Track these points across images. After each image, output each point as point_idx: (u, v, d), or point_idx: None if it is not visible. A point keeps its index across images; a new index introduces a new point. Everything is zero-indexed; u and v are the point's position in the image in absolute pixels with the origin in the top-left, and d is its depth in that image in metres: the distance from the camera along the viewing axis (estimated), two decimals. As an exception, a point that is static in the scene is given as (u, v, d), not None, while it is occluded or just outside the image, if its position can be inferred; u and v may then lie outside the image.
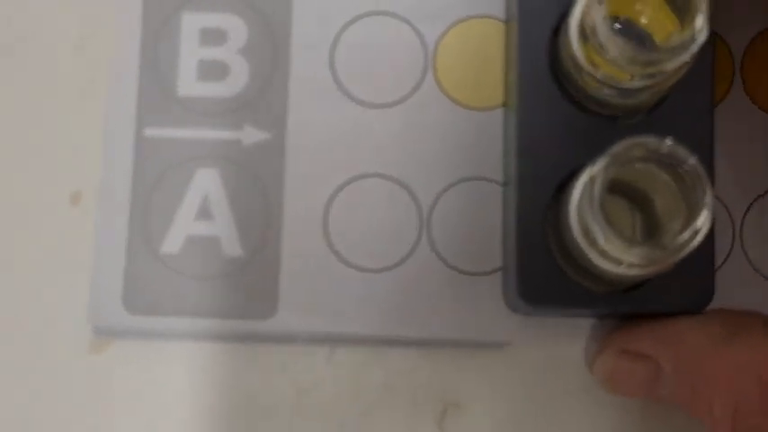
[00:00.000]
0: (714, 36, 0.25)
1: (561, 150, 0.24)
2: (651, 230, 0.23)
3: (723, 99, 0.27)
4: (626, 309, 0.24)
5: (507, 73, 0.26)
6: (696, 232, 0.21)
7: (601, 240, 0.21)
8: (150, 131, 0.27)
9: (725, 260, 0.27)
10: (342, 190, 0.27)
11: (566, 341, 0.27)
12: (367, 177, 0.27)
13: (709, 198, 0.21)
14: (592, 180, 0.21)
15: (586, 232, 0.21)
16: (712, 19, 0.26)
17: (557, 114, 0.24)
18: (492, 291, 0.26)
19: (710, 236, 0.22)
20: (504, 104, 0.27)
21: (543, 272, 0.24)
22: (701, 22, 0.21)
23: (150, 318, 0.27)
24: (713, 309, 0.24)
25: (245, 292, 0.27)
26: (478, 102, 0.27)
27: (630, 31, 0.25)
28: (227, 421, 0.27)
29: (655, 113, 0.24)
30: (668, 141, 0.21)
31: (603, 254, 0.21)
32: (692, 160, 0.21)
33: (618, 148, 0.21)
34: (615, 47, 0.21)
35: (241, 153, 0.27)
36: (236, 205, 0.27)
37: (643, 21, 0.24)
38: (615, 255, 0.21)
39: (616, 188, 0.24)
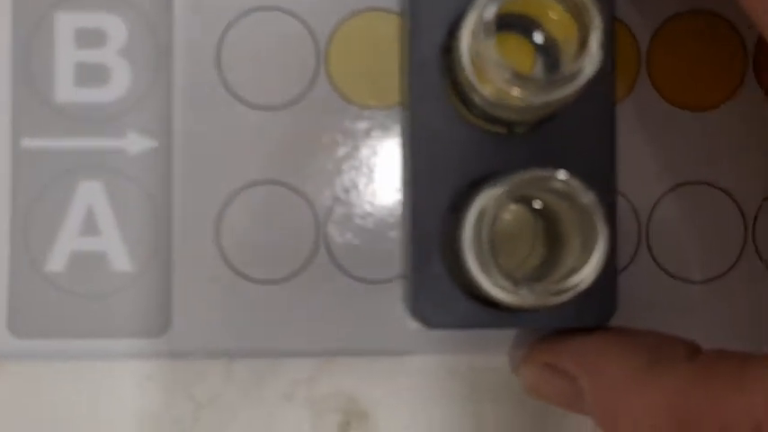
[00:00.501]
0: (613, 35, 0.24)
1: (456, 161, 0.23)
2: (551, 247, 0.23)
3: (629, 93, 0.26)
4: (524, 325, 0.23)
5: (401, 75, 0.25)
6: (583, 278, 0.21)
7: (485, 284, 0.20)
8: (27, 142, 0.26)
9: (631, 259, 0.26)
10: (234, 198, 0.26)
11: (473, 348, 0.26)
12: (260, 184, 0.26)
13: (602, 240, 0.21)
14: (480, 216, 0.20)
15: (478, 263, 0.21)
16: (619, 8, 0.26)
17: (450, 124, 0.23)
18: (393, 299, 0.25)
19: (612, 253, 0.22)
20: (401, 104, 0.25)
21: (438, 291, 0.23)
22: (594, 48, 0.20)
23: (38, 341, 0.25)
24: (638, 330, 0.23)
25: (137, 308, 0.26)
26: (375, 100, 0.26)
27: (530, 30, 0.24)
28: (125, 440, 0.26)
29: (554, 121, 0.23)
30: (561, 176, 0.20)
31: (496, 284, 0.21)
32: (587, 198, 0.20)
33: (507, 185, 0.20)
34: (501, 81, 0.20)
35: (126, 162, 0.26)
36: (122, 218, 0.26)
37: (547, 24, 0.23)
38: (502, 295, 0.20)
39: (522, 199, 0.23)
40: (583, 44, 0.21)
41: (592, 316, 0.23)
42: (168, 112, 0.26)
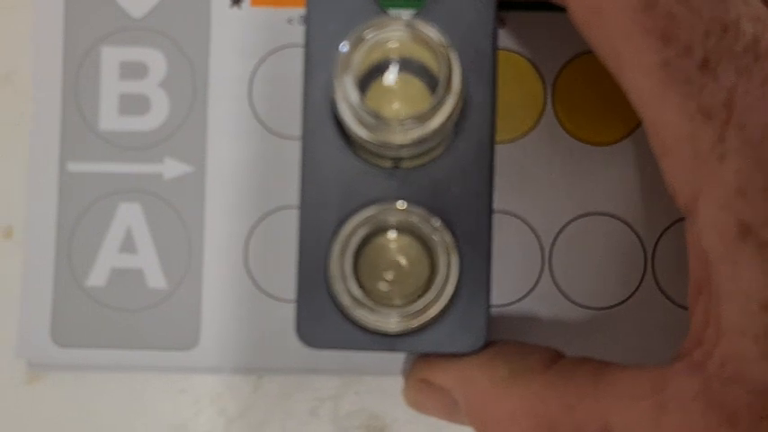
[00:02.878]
0: (495, 72, 0.24)
1: (343, 194, 0.24)
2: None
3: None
4: (400, 350, 0.24)
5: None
6: (435, 300, 0.22)
7: (347, 301, 0.22)
8: (73, 166, 0.28)
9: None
10: (262, 221, 0.27)
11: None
12: (287, 209, 0.27)
13: (443, 271, 0.22)
14: (342, 243, 0.22)
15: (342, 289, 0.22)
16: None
17: (338, 157, 0.24)
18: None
19: (483, 282, 0.23)
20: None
21: (321, 314, 0.24)
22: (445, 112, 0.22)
23: (79, 350, 0.27)
24: (505, 341, 0.24)
25: (169, 323, 0.27)
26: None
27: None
28: (156, 446, 0.28)
29: (439, 156, 0.24)
30: (400, 205, 0.22)
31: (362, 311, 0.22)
32: (427, 228, 0.22)
33: (363, 215, 0.22)
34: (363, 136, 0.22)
35: (162, 186, 0.28)
36: (158, 238, 0.27)
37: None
38: (364, 319, 0.22)
39: (408, 232, 0.24)
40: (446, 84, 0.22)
41: (463, 343, 0.24)
42: (203, 140, 0.27)
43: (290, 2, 0.27)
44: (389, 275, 0.24)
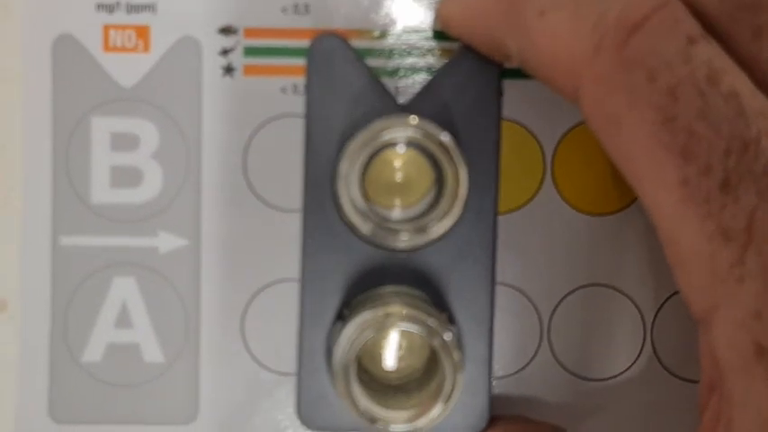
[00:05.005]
0: (498, 148, 0.24)
1: (344, 274, 0.24)
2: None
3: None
4: None
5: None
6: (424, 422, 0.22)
7: (350, 407, 0.22)
8: (66, 240, 0.27)
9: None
10: (258, 295, 0.27)
11: None
12: (284, 282, 0.27)
13: (448, 384, 0.22)
14: (348, 342, 0.22)
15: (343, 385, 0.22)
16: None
17: (340, 239, 0.24)
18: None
19: (486, 366, 0.23)
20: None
21: (320, 395, 0.24)
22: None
23: (77, 427, 0.27)
24: (510, 418, 0.25)
25: (167, 397, 0.27)
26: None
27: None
28: None
29: (438, 243, 0.24)
30: (404, 314, 0.22)
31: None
32: (437, 341, 0.22)
33: (365, 317, 0.22)
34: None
35: (157, 260, 0.27)
36: (154, 312, 0.27)
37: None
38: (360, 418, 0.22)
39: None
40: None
41: (466, 426, 0.24)
42: (197, 213, 0.27)
43: (283, 71, 0.27)
44: (392, 366, 0.24)
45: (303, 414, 0.24)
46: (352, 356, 0.22)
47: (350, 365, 0.22)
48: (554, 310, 0.27)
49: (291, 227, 0.27)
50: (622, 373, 0.27)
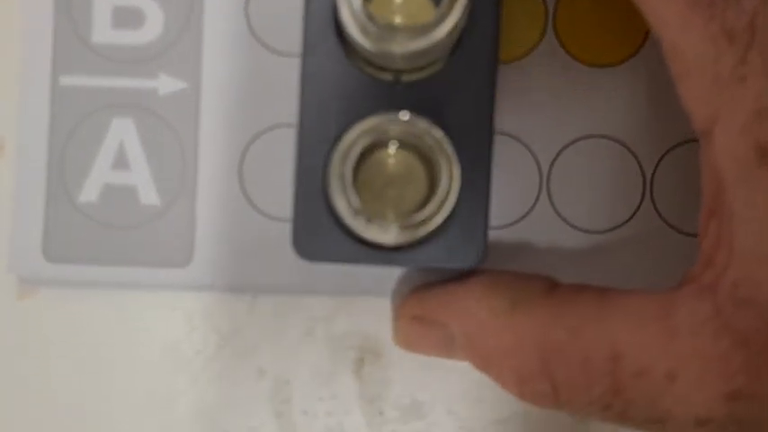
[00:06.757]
0: None
1: (343, 108, 0.24)
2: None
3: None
4: (396, 264, 0.24)
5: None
6: (438, 209, 0.22)
7: (345, 213, 0.22)
8: (65, 80, 0.27)
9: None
10: (257, 139, 0.27)
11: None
12: (281, 127, 0.27)
13: (445, 181, 0.22)
14: (342, 153, 0.22)
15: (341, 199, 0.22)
16: None
17: (339, 69, 0.24)
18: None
19: (483, 197, 0.23)
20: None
21: (318, 227, 0.24)
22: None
23: (70, 266, 0.27)
24: (500, 271, 0.24)
25: (162, 240, 0.27)
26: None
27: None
28: (148, 366, 0.28)
29: (439, 72, 0.24)
30: (403, 116, 0.22)
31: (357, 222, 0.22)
32: (430, 138, 0.22)
33: (362, 126, 0.22)
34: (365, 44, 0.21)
35: (156, 102, 0.27)
36: (151, 154, 0.27)
37: None
38: (359, 228, 0.22)
39: (408, 147, 0.24)
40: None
41: (463, 257, 0.24)
42: (198, 56, 0.27)
43: None
44: (388, 191, 0.24)
45: (298, 245, 0.24)
46: (353, 157, 0.22)
47: (348, 163, 0.22)
48: (554, 160, 0.27)
49: (292, 71, 0.27)
50: (621, 225, 0.27)
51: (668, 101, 0.27)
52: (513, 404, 0.28)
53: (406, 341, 0.26)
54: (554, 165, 0.27)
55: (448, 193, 0.22)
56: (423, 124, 0.22)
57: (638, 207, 0.27)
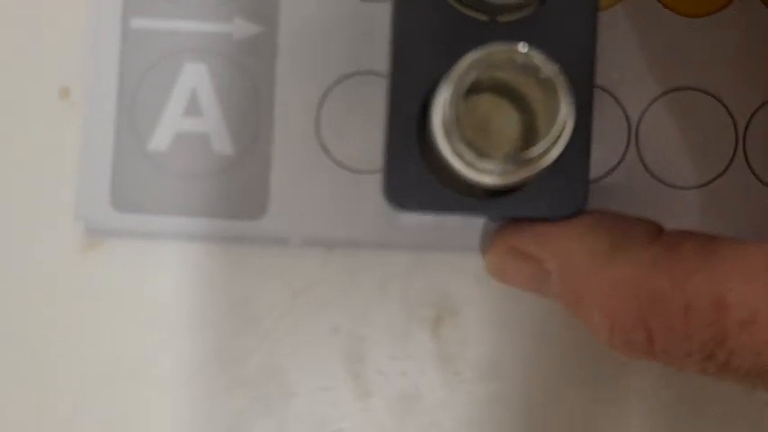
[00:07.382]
0: None
1: (438, 49, 0.23)
2: (529, 137, 0.23)
3: None
4: (496, 214, 0.23)
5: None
6: (553, 144, 0.21)
7: (448, 154, 0.21)
8: (137, 23, 0.26)
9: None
10: (335, 87, 0.26)
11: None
12: (361, 74, 0.26)
13: (564, 110, 0.20)
14: (454, 87, 0.20)
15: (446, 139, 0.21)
16: None
17: (433, 9, 0.22)
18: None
19: (584, 143, 0.22)
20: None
21: (411, 175, 0.22)
22: None
23: (138, 216, 0.26)
24: (603, 212, 0.23)
25: (235, 191, 0.26)
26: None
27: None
28: (218, 321, 0.27)
29: (537, 12, 0.23)
30: (522, 48, 0.20)
31: (462, 161, 0.21)
32: (548, 69, 0.20)
33: (475, 55, 0.21)
34: None
35: (231, 47, 0.26)
36: (225, 101, 0.26)
37: None
38: (469, 166, 0.21)
39: (500, 90, 0.23)
40: None
41: (563, 206, 0.22)
42: (275, 0, 0.26)
43: None
44: (487, 133, 0.23)
45: (390, 193, 0.23)
46: (463, 86, 0.21)
47: (456, 93, 0.21)
48: (643, 113, 0.26)
49: (373, 16, 0.26)
50: (712, 181, 0.26)
51: (762, 53, 0.26)
52: (592, 365, 0.27)
53: (497, 271, 0.25)
54: (643, 118, 0.26)
55: (564, 127, 0.21)
56: (540, 56, 0.21)
57: (730, 162, 0.26)
